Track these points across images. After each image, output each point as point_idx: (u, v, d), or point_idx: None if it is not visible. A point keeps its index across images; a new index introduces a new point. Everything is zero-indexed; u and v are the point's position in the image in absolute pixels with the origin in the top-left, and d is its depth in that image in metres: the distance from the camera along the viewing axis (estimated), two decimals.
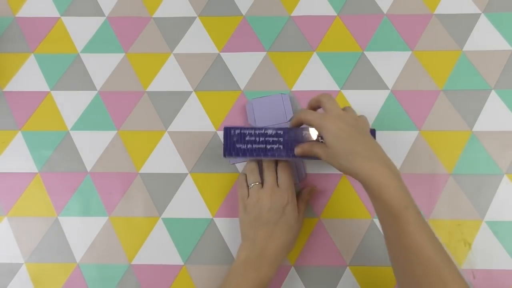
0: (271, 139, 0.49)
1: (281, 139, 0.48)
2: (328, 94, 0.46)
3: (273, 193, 0.48)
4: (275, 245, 0.46)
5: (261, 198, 0.48)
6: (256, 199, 0.48)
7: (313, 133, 0.49)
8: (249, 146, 0.49)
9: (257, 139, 0.49)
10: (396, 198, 0.37)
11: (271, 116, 0.55)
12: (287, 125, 0.54)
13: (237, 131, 0.49)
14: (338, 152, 0.41)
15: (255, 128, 0.49)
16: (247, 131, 0.49)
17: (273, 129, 0.49)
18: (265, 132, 0.49)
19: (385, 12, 0.60)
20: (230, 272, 0.46)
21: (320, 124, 0.43)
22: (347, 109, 0.45)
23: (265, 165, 0.51)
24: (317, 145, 0.45)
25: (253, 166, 0.51)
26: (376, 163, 0.39)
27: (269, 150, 0.48)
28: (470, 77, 0.57)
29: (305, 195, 0.51)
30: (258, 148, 0.49)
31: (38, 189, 0.55)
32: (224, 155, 0.49)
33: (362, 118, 0.46)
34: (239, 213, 0.50)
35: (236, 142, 0.49)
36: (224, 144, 0.49)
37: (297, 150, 0.47)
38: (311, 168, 0.55)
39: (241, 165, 0.55)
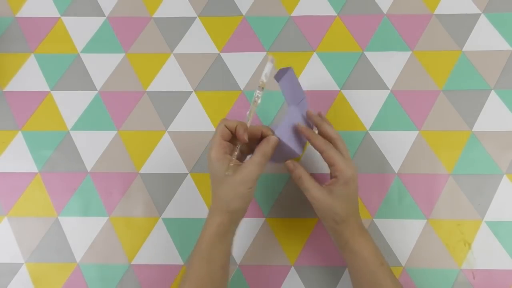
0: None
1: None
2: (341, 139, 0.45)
3: None
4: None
5: None
6: None
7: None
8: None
9: None
10: (373, 256, 0.43)
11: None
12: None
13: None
14: (340, 206, 0.42)
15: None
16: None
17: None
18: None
19: (385, 12, 0.60)
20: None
21: (344, 168, 0.42)
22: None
23: None
24: (314, 185, 0.43)
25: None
26: (359, 229, 0.44)
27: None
28: (470, 77, 0.57)
29: (263, 146, 0.43)
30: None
31: (38, 189, 0.55)
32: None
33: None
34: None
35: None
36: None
37: (290, 168, 0.45)
38: (308, 169, 0.55)
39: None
